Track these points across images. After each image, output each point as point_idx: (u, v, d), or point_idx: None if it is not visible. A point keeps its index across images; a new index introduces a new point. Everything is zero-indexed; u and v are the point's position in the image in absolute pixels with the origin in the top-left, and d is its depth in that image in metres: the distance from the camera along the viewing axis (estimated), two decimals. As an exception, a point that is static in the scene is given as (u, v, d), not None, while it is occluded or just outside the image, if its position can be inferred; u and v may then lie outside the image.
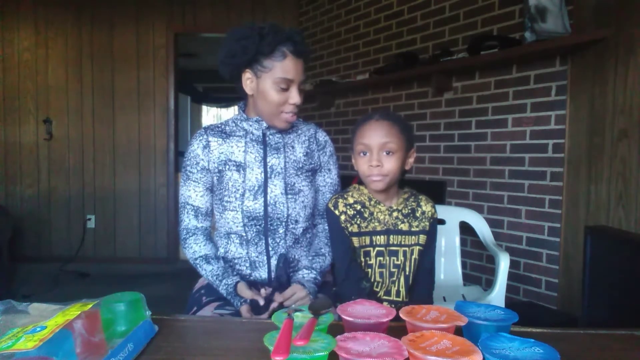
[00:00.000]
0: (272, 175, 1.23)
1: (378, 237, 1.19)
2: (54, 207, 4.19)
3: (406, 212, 1.22)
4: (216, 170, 1.25)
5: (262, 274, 1.24)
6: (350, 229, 1.19)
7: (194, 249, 1.26)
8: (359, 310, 0.76)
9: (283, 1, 4.14)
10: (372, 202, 1.22)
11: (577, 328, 0.86)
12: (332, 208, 1.21)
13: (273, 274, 1.23)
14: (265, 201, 1.22)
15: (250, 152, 1.24)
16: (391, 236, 1.20)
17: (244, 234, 1.23)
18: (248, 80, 1.22)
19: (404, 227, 1.21)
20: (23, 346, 0.57)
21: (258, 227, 1.22)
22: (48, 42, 4.11)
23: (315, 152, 1.32)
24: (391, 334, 0.66)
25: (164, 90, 4.16)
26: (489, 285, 2.45)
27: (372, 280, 1.19)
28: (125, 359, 0.68)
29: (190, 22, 4.16)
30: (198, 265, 1.25)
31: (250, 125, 1.25)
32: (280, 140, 1.27)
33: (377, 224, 1.20)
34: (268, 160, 1.24)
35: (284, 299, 1.13)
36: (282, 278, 1.20)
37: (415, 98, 2.97)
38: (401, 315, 0.74)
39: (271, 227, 1.23)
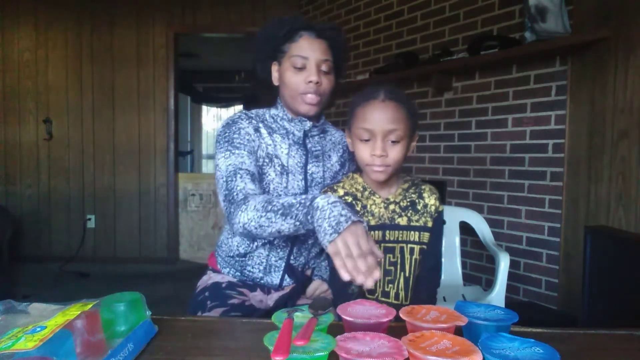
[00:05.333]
0: (312, 184, 1.19)
1: (372, 232, 1.08)
2: (54, 207, 4.19)
3: (405, 204, 1.11)
4: (261, 159, 1.15)
5: (274, 279, 1.21)
6: None
7: (254, 203, 1.00)
8: (359, 310, 0.76)
9: (283, 1, 4.14)
10: (366, 193, 1.10)
11: (577, 328, 0.86)
12: None
13: (284, 282, 1.22)
14: None
15: (293, 157, 1.18)
16: (387, 231, 1.09)
17: (272, 238, 1.17)
18: (275, 72, 1.19)
19: (401, 221, 1.10)
20: (23, 346, 0.57)
21: None
22: (48, 42, 4.11)
23: (347, 162, 1.29)
24: (391, 334, 0.66)
25: (164, 90, 4.16)
26: (489, 285, 2.45)
27: None
28: (125, 359, 0.68)
29: (190, 22, 4.15)
30: (266, 211, 0.97)
31: (293, 126, 1.18)
32: (320, 148, 1.23)
33: (370, 217, 1.09)
34: (308, 167, 1.19)
35: (309, 295, 1.14)
36: (297, 280, 1.20)
37: (415, 98, 2.96)
38: (401, 315, 0.74)
39: (302, 237, 1.19)
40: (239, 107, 7.60)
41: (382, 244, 1.09)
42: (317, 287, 1.21)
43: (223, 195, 1.07)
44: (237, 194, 1.05)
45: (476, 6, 2.57)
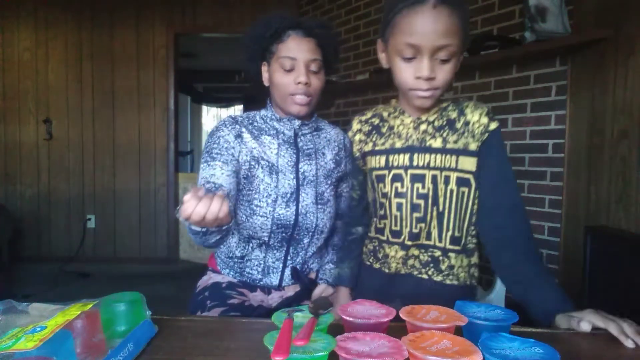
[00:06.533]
0: (304, 183, 1.17)
1: (396, 156, 0.92)
2: (54, 207, 4.19)
3: (440, 123, 0.91)
4: (246, 164, 1.14)
5: (273, 280, 1.21)
6: (364, 149, 0.97)
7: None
8: (359, 310, 0.76)
9: (283, 1, 4.14)
10: (396, 113, 0.95)
11: (577, 328, 0.86)
12: (347, 131, 1.07)
13: (284, 282, 1.22)
14: (296, 210, 1.15)
15: (283, 156, 1.17)
16: (415, 154, 0.90)
17: (266, 239, 1.18)
18: (265, 72, 1.20)
19: (434, 143, 0.90)
20: (23, 346, 0.57)
21: (284, 234, 1.17)
22: (48, 42, 4.11)
23: (343, 160, 1.26)
24: (391, 334, 0.66)
25: (164, 90, 4.16)
26: (489, 285, 2.44)
27: (389, 214, 0.94)
28: (125, 359, 0.68)
29: (190, 22, 4.16)
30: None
31: (282, 125, 1.19)
32: (312, 146, 1.22)
33: (396, 139, 0.93)
34: (300, 166, 1.18)
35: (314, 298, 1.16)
36: (303, 284, 1.21)
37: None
38: (401, 315, 0.74)
39: (297, 236, 1.18)
40: (239, 107, 7.60)
41: (409, 170, 0.91)
42: (323, 291, 1.21)
43: None
44: None
45: (476, 6, 2.57)
